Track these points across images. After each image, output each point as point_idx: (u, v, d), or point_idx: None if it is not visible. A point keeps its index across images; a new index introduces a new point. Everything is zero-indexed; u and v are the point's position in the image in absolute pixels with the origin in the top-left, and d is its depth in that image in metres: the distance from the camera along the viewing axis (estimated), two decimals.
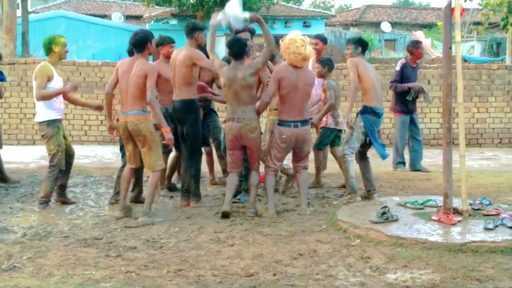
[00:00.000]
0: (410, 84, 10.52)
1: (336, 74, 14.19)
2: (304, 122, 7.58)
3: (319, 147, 9.09)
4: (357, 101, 8.55)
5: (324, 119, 8.82)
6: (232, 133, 7.45)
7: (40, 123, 7.81)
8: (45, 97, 7.69)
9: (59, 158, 7.79)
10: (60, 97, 7.91)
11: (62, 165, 7.85)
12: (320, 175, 9.24)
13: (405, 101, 10.60)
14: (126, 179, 7.47)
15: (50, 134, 7.73)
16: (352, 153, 8.18)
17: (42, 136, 7.85)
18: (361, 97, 8.31)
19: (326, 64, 8.85)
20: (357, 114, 8.26)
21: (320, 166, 9.22)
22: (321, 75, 8.87)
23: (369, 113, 8.11)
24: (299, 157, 7.71)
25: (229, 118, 7.52)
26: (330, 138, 9.07)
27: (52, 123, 7.75)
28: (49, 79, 7.69)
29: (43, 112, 7.77)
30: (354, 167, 8.28)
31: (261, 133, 7.76)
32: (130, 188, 7.84)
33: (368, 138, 8.18)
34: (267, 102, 7.53)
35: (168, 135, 7.25)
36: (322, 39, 9.76)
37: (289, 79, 7.39)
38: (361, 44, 8.33)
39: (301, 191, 7.69)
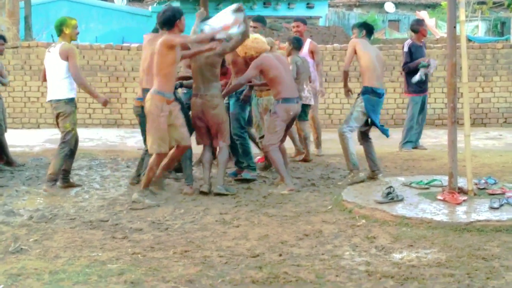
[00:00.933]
0: (420, 59, 10.59)
1: (341, 55, 14.16)
2: (300, 98, 8.21)
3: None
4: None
5: None
6: (195, 108, 7.65)
7: (58, 100, 7.82)
8: (82, 84, 7.84)
9: (72, 136, 7.87)
10: None
11: (73, 144, 7.93)
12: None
13: (418, 81, 10.66)
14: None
15: (68, 111, 7.80)
16: (351, 131, 8.16)
17: (58, 114, 7.84)
18: (355, 77, 8.39)
19: (293, 43, 9.36)
20: (358, 94, 8.25)
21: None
22: (288, 53, 9.34)
23: (370, 93, 8.09)
24: (286, 132, 8.12)
25: (193, 94, 7.72)
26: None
27: (70, 102, 7.83)
28: None
29: (64, 90, 7.80)
30: (357, 148, 8.27)
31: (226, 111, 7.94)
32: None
33: (369, 119, 8.17)
34: (241, 84, 7.88)
35: None
36: (302, 21, 10.37)
37: (271, 62, 7.78)
38: (366, 28, 8.48)
39: (286, 160, 8.19)
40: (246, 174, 8.29)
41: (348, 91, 8.92)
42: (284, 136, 8.10)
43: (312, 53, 10.13)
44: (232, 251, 5.41)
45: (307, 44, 10.18)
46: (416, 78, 10.56)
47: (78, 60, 7.81)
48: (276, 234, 5.92)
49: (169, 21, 7.19)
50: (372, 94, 8.08)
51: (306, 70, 9.49)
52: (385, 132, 8.27)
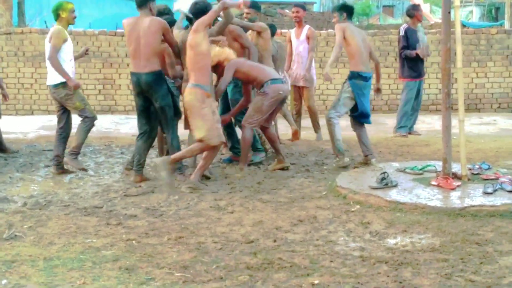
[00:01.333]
0: (418, 51, 10.62)
1: (335, 41, 14.12)
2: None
3: None
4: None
5: None
6: None
7: (56, 85, 7.89)
8: (54, 64, 7.79)
9: (89, 109, 8.04)
10: (73, 63, 8.06)
11: (95, 115, 8.14)
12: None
13: (414, 66, 10.71)
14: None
15: (71, 92, 7.88)
16: (338, 117, 8.16)
17: (61, 98, 7.91)
18: (348, 62, 8.34)
19: None
20: (345, 80, 8.25)
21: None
22: None
23: (356, 78, 8.12)
24: (272, 116, 8.11)
25: (184, 80, 7.72)
26: None
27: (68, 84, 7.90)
28: (64, 41, 7.85)
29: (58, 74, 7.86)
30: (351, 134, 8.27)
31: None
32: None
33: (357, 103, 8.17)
34: (222, 89, 7.91)
35: None
36: (302, 7, 10.56)
37: (241, 61, 7.90)
38: (346, 10, 8.37)
39: (278, 146, 8.17)
40: (255, 157, 8.37)
41: (328, 76, 8.39)
42: (269, 120, 8.06)
43: (308, 38, 10.20)
44: (226, 237, 5.42)
45: (305, 30, 10.26)
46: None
47: (60, 42, 7.81)
48: (270, 220, 5.92)
49: (202, 12, 7.26)
50: (359, 79, 8.10)
51: (281, 57, 9.53)
52: (366, 119, 8.26)
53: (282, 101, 7.98)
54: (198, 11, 7.34)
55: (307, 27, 10.36)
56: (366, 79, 8.15)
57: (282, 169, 8.02)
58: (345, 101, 8.13)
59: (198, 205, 6.48)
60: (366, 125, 8.39)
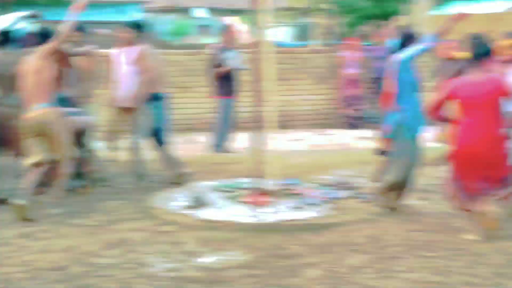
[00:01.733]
0: (228, 68, 10.86)
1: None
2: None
3: None
4: None
5: None
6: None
7: None
8: None
9: None
10: None
11: None
12: None
13: (227, 84, 10.93)
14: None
15: None
16: (140, 140, 8.21)
17: None
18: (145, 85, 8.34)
19: None
20: (144, 102, 8.25)
21: None
22: None
23: (154, 99, 8.21)
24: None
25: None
26: None
27: None
28: None
29: None
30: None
31: None
32: None
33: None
34: None
35: None
36: (133, 27, 9.98)
37: None
38: (140, 28, 8.42)
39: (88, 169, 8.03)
40: (74, 182, 8.08)
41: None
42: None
43: (137, 60, 9.82)
44: (34, 266, 5.22)
45: (133, 50, 9.73)
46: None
47: None
48: (82, 244, 5.77)
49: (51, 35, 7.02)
50: (156, 100, 8.21)
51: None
52: (160, 140, 8.32)
53: (82, 130, 7.80)
54: (47, 35, 7.13)
55: (136, 47, 9.94)
56: (162, 99, 8.28)
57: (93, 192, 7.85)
58: (146, 123, 8.16)
59: (4, 233, 6.18)
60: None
